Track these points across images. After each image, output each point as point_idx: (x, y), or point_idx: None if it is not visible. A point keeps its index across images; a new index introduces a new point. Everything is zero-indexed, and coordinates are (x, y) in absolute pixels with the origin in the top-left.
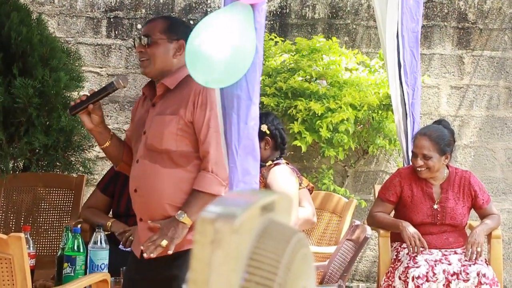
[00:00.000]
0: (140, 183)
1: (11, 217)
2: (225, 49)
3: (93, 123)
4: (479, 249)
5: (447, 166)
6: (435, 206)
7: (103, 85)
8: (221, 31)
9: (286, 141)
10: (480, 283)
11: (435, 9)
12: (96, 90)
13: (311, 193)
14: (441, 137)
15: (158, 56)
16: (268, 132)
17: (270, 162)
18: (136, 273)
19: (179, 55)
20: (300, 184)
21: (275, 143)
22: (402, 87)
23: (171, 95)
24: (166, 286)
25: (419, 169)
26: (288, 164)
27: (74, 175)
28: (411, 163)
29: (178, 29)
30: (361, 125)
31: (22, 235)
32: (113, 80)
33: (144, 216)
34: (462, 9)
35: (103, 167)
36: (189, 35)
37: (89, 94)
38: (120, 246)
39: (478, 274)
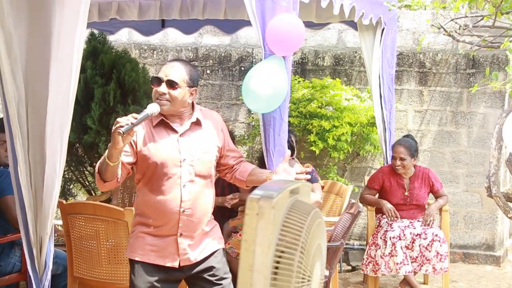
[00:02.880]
0: (189, 205)
1: (126, 196)
2: (268, 87)
3: (123, 143)
4: (431, 218)
5: (414, 165)
6: (406, 193)
7: (144, 111)
8: (265, 75)
9: (294, 147)
10: (433, 240)
11: (404, 59)
12: (137, 115)
13: (322, 188)
14: (411, 146)
15: (178, 99)
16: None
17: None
18: (169, 278)
19: (192, 97)
20: (317, 180)
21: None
22: (382, 111)
23: (196, 127)
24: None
25: (397, 167)
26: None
27: None
28: (390, 163)
29: (195, 78)
30: (355, 136)
31: (133, 208)
32: (151, 108)
33: (186, 232)
34: (421, 59)
35: None
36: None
37: (134, 118)
38: None
39: (433, 234)
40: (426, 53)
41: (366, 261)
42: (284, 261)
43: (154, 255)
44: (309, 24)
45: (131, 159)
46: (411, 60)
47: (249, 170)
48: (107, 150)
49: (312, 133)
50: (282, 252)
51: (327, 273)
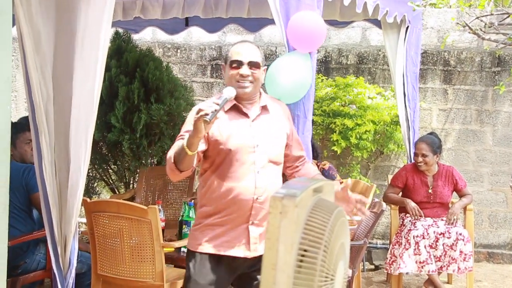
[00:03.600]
0: (262, 192)
1: (149, 195)
2: (292, 76)
3: (205, 130)
4: (455, 217)
5: (437, 163)
6: (430, 191)
7: (223, 96)
8: (289, 65)
9: (318, 152)
10: (457, 239)
11: (428, 58)
12: (217, 100)
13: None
14: (433, 142)
15: (260, 80)
16: None
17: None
18: (244, 270)
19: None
20: (335, 178)
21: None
22: (406, 109)
23: (265, 112)
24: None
25: (419, 164)
26: (330, 163)
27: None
28: (413, 161)
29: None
30: (379, 135)
31: (156, 206)
32: (228, 92)
33: (257, 221)
34: (446, 58)
35: None
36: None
37: (217, 104)
38: None
39: (457, 233)
40: (451, 51)
41: (389, 260)
42: (307, 259)
43: (225, 246)
44: (333, 23)
45: (203, 147)
46: (435, 59)
47: (311, 174)
48: (179, 140)
49: (335, 132)
50: (305, 251)
51: (350, 272)
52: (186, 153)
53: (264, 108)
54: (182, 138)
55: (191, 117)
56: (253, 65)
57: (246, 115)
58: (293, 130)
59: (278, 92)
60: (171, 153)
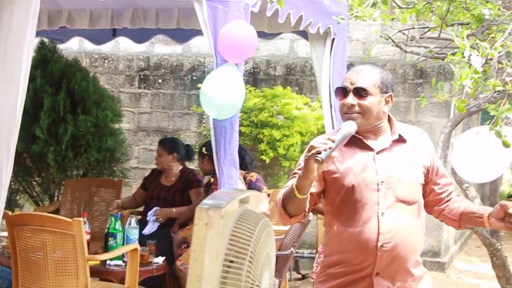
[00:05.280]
0: (389, 238)
1: (75, 207)
2: (226, 93)
3: (318, 172)
4: None
5: None
6: None
7: (341, 131)
8: (222, 81)
9: (247, 163)
10: None
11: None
12: (334, 137)
13: (268, 196)
14: None
15: (372, 109)
16: (206, 152)
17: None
18: None
19: (388, 105)
20: (262, 190)
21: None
22: (332, 120)
23: (398, 143)
24: None
25: None
26: (258, 173)
27: (116, 179)
28: None
29: (389, 82)
30: (306, 145)
31: (81, 219)
32: (348, 127)
33: (384, 272)
34: None
35: (136, 174)
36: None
37: (333, 141)
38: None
39: None
40: (376, 63)
41: (315, 269)
42: (233, 270)
43: None
44: (261, 34)
45: (317, 188)
46: None
47: (461, 208)
48: (292, 179)
49: (263, 142)
50: (231, 261)
51: (276, 282)
52: (295, 196)
53: (396, 140)
54: (295, 177)
55: (304, 153)
56: (357, 92)
57: (369, 147)
58: (436, 162)
59: (214, 110)
60: (280, 194)
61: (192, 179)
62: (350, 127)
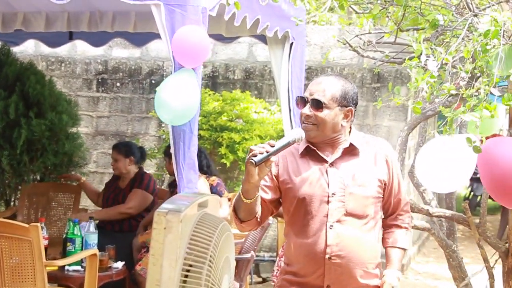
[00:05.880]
0: (337, 251)
1: (32, 212)
2: (181, 99)
3: (259, 176)
4: None
5: None
6: None
7: (285, 137)
8: (178, 87)
9: (203, 165)
10: None
11: (313, 73)
12: (275, 143)
13: (229, 200)
14: None
15: (327, 121)
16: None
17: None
18: None
19: (348, 119)
20: (223, 194)
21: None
22: (291, 124)
23: (351, 156)
24: None
25: None
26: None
27: (74, 184)
28: None
29: (350, 96)
30: None
31: (38, 224)
32: (294, 134)
33: (335, 285)
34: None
35: (94, 178)
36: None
37: (271, 146)
38: None
39: None
40: (334, 67)
41: (276, 272)
42: (192, 274)
43: None
44: (219, 38)
45: (271, 196)
46: (319, 74)
47: (386, 244)
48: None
49: (223, 145)
50: (190, 266)
51: (237, 285)
52: (242, 200)
53: (348, 150)
54: None
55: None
56: (315, 104)
57: (322, 159)
58: (395, 179)
59: (169, 116)
60: (234, 199)
61: (139, 179)
62: (296, 135)
